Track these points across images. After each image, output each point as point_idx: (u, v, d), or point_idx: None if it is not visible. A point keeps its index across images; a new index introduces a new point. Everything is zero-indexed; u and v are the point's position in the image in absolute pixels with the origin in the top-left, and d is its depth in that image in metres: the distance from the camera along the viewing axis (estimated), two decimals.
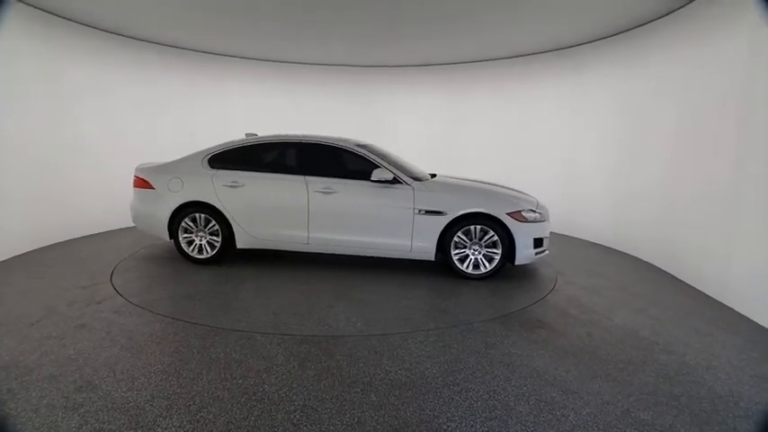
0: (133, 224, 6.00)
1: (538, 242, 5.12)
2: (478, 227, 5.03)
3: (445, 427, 2.48)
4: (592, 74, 7.38)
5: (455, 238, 5.08)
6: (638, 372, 3.14)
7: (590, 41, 7.28)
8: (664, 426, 2.53)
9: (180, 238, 5.59)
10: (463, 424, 2.51)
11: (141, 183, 5.70)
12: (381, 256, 5.38)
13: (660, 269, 5.75)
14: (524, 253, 5.03)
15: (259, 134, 5.90)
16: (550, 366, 3.20)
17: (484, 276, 5.10)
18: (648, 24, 6.16)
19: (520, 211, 5.02)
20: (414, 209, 5.10)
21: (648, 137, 6.13)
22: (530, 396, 2.81)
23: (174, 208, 5.50)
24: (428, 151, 9.22)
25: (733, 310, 4.34)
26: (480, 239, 5.07)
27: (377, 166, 5.24)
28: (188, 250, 5.60)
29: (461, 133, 9.36)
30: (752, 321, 4.07)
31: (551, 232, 5.66)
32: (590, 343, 3.58)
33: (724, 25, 4.73)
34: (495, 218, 4.98)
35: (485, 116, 9.06)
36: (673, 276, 5.44)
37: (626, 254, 6.58)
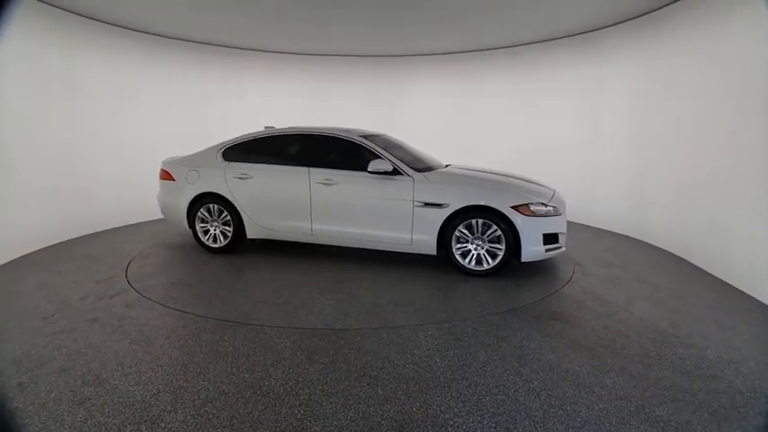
0: (161, 216, 6.41)
1: (550, 238, 4.78)
2: (480, 221, 4.76)
3: (452, 422, 2.43)
4: (607, 59, 7.16)
5: (456, 233, 4.83)
6: (654, 366, 3.03)
7: (606, 27, 7.06)
8: (680, 422, 2.43)
9: (197, 228, 5.82)
10: (470, 419, 2.45)
11: (165, 175, 6.03)
12: (382, 249, 5.25)
13: (683, 259, 5.55)
14: (531, 249, 4.68)
15: (277, 127, 6.00)
16: (564, 360, 3.11)
17: (487, 273, 4.82)
18: (666, 8, 5.92)
19: (527, 205, 4.68)
20: (413, 201, 4.93)
21: (667, 122, 5.91)
22: (541, 391, 2.73)
23: (190, 199, 5.76)
24: (445, 140, 9.13)
25: (759, 301, 4.16)
26: (483, 234, 4.80)
27: (378, 157, 5.14)
28: (204, 239, 5.84)
29: (477, 122, 9.21)
30: None
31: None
32: (606, 336, 3.48)
33: (743, 8, 4.53)
34: (498, 211, 4.69)
35: (500, 104, 8.90)
36: (696, 266, 5.25)
37: (646, 243, 6.39)
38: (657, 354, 3.19)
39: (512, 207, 4.67)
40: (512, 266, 5.10)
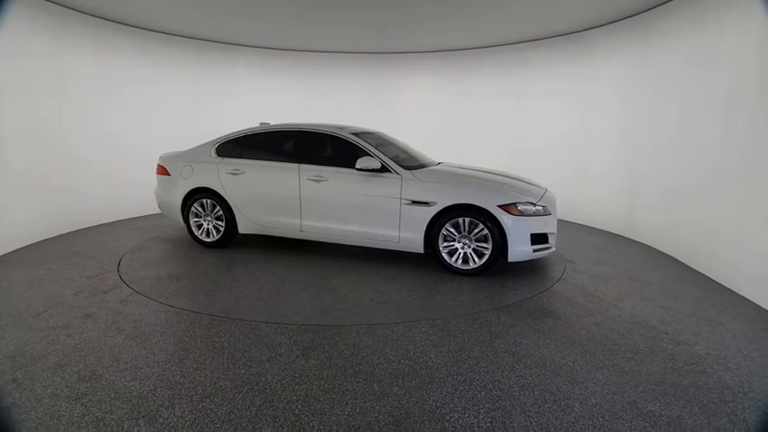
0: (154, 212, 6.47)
1: (539, 238, 4.72)
2: (467, 219, 4.71)
3: (448, 417, 2.46)
4: (599, 58, 7.23)
5: (443, 231, 4.80)
6: (645, 362, 3.08)
7: (598, 26, 7.13)
8: (671, 417, 2.48)
9: (190, 222, 5.88)
10: (466, 414, 2.48)
11: (161, 170, 6.14)
12: (371, 246, 5.24)
13: (671, 257, 5.64)
14: (518, 249, 4.62)
15: (272, 123, 6.06)
16: (557, 356, 3.15)
17: (474, 272, 4.78)
18: (657, 8, 5.99)
19: (514, 204, 4.63)
20: (401, 198, 4.91)
21: (656, 122, 5.99)
22: (535, 386, 2.77)
23: (184, 193, 5.83)
24: (439, 138, 9.20)
25: (745, 299, 4.24)
26: (470, 233, 4.75)
27: (367, 154, 5.12)
28: (197, 233, 5.92)
29: (470, 119, 9.26)
30: (765, 310, 3.97)
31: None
32: (597, 332, 3.53)
33: (733, 10, 4.60)
34: (485, 210, 4.64)
35: (493, 102, 8.95)
36: (684, 265, 5.34)
37: (636, 241, 6.48)
38: (648, 350, 3.25)
39: (499, 206, 4.62)
40: (503, 264, 5.14)
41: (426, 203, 4.82)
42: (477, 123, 9.16)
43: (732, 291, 4.45)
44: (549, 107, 8.10)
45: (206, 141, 6.07)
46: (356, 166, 5.03)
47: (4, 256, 5.36)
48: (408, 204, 4.89)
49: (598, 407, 2.56)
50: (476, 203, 4.66)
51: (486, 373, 2.92)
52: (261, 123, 6.01)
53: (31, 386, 2.70)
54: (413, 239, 4.95)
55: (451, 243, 4.86)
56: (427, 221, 4.83)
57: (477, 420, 2.43)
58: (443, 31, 7.68)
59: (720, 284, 4.64)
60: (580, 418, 2.45)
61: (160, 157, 6.23)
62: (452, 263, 4.86)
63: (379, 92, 9.74)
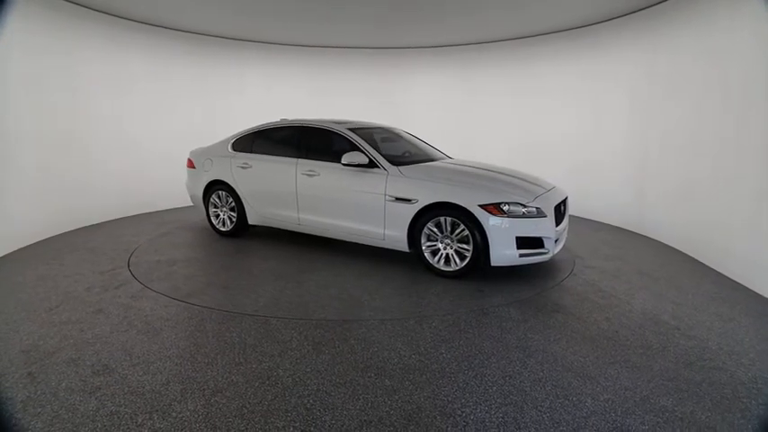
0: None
1: (530, 242, 4.33)
2: (449, 219, 4.46)
3: (459, 412, 2.46)
4: (606, 53, 7.17)
5: (426, 230, 4.59)
6: (658, 357, 3.06)
7: (605, 20, 7.08)
8: (684, 413, 2.46)
9: (209, 212, 6.31)
10: (478, 409, 2.48)
11: (189, 163, 6.53)
12: (359, 242, 5.16)
13: (683, 253, 5.59)
14: (501, 253, 4.29)
15: (289, 119, 6.23)
16: (568, 351, 3.14)
17: (455, 274, 4.53)
18: (666, 2, 5.93)
19: (497, 204, 4.28)
20: (385, 195, 4.78)
21: (667, 117, 5.93)
22: (546, 381, 2.76)
23: (204, 185, 6.24)
24: (451, 133, 9.20)
25: (759, 295, 4.20)
26: (452, 233, 4.51)
27: (356, 149, 5.03)
28: (215, 222, 6.31)
29: (479, 114, 9.23)
30: None
31: None
32: (608, 328, 3.51)
33: (746, 5, 4.53)
34: (466, 209, 4.34)
35: (502, 97, 8.90)
36: (695, 260, 5.30)
37: (644, 236, 6.44)
38: (660, 345, 3.23)
39: (480, 206, 4.30)
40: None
41: (408, 201, 4.65)
42: (486, 118, 9.13)
43: (745, 287, 4.41)
44: (558, 102, 8.04)
45: (227, 137, 6.30)
46: (342, 162, 4.95)
47: (16, 252, 5.41)
48: (392, 201, 4.75)
49: (610, 402, 2.55)
50: (455, 202, 4.40)
51: (497, 369, 2.91)
52: (281, 119, 6.17)
53: (46, 380, 2.73)
54: (397, 237, 4.81)
55: (434, 243, 4.66)
56: (410, 219, 4.66)
57: (488, 415, 2.43)
58: (451, 26, 7.65)
59: (733, 280, 4.60)
60: (592, 414, 2.45)
61: (190, 152, 6.59)
62: (434, 263, 4.66)
63: (389, 86, 9.72)
